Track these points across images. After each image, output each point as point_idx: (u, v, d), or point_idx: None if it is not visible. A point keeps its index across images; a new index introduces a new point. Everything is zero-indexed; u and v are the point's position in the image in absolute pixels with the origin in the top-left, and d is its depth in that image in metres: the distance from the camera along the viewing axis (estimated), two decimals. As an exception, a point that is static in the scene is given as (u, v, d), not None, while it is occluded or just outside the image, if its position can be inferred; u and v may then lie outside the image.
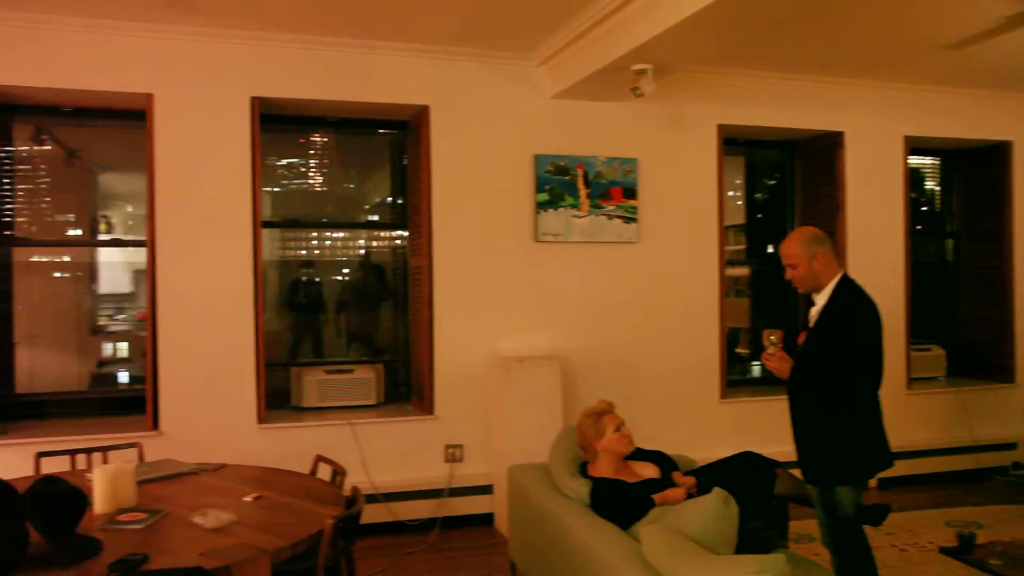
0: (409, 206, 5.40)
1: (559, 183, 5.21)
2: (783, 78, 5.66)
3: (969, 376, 6.55)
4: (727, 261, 5.77)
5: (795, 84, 5.72)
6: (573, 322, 5.29)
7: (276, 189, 5.61)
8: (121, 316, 5.80)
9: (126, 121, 4.93)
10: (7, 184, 4.94)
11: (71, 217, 5.40)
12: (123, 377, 5.57)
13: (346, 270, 5.85)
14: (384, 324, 5.87)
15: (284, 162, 5.62)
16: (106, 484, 2.77)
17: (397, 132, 5.57)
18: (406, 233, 5.55)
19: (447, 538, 4.85)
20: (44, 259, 5.30)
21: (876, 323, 3.18)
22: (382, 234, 5.82)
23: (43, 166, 5.11)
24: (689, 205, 5.55)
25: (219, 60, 4.68)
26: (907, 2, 4.32)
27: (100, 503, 2.76)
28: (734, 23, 3.93)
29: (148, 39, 4.56)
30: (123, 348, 5.71)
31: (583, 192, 5.25)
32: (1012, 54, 5.22)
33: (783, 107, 5.74)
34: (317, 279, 5.78)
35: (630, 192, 5.37)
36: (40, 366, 5.15)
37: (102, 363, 5.63)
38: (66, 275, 5.48)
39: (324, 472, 3.46)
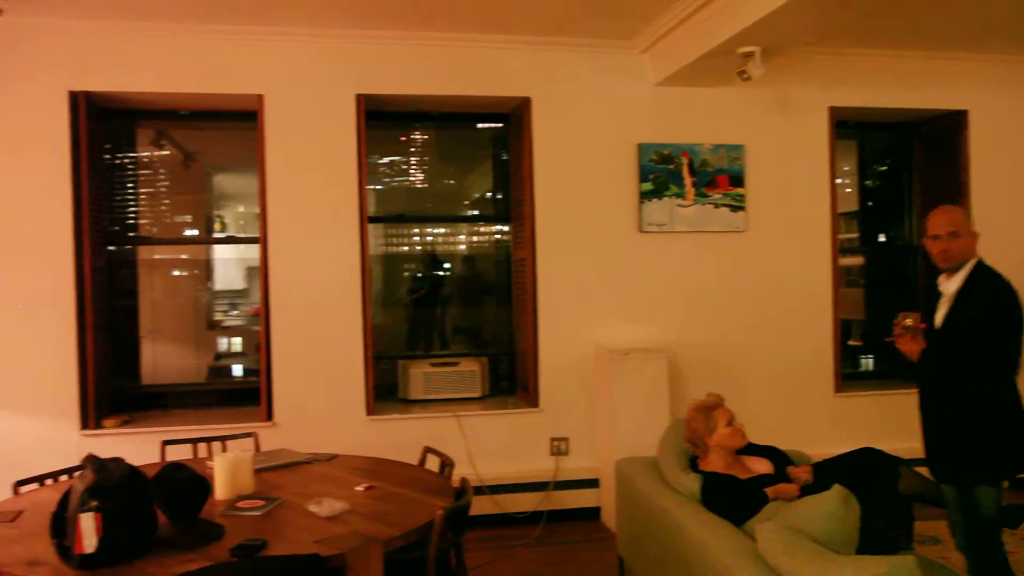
0: (512, 199, 5.40)
1: (664, 172, 5.11)
2: (897, 56, 5.38)
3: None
4: (840, 250, 5.54)
5: (910, 62, 5.43)
6: (679, 313, 5.18)
7: (378, 187, 5.70)
8: (235, 312, 6.01)
9: (238, 122, 5.10)
10: (131, 186, 5.18)
11: (188, 218, 5.63)
12: (237, 370, 5.78)
13: (447, 264, 5.89)
14: (487, 317, 5.90)
15: (385, 160, 5.70)
16: (226, 472, 2.86)
17: (497, 126, 5.57)
18: (507, 227, 5.56)
19: (553, 531, 4.83)
20: (164, 257, 5.54)
21: (1018, 309, 2.97)
22: (483, 228, 5.83)
23: (162, 169, 5.34)
24: (799, 192, 5.35)
25: (325, 59, 4.79)
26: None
27: (221, 490, 2.85)
28: (846, -1, 3.76)
29: (259, 42, 4.70)
30: (236, 342, 5.93)
31: (688, 181, 5.14)
32: None
33: (898, 86, 5.46)
34: (423, 274, 5.84)
35: (737, 180, 5.21)
36: (162, 359, 5.39)
37: (219, 356, 5.86)
38: (184, 273, 5.72)
39: (432, 463, 3.49)
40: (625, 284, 5.12)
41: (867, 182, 6.39)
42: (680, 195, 5.13)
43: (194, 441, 3.74)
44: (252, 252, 5.48)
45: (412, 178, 5.76)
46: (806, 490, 3.14)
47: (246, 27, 4.63)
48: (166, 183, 5.39)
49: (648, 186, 5.10)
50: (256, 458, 3.34)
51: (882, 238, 6.21)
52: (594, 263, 5.09)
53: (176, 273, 5.70)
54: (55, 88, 4.51)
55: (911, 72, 5.45)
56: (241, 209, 6.04)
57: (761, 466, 3.40)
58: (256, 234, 4.90)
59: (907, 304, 5.86)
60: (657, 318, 5.16)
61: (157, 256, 5.44)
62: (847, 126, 5.83)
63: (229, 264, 5.99)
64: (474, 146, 5.86)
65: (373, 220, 5.23)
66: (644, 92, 5.13)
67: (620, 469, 3.98)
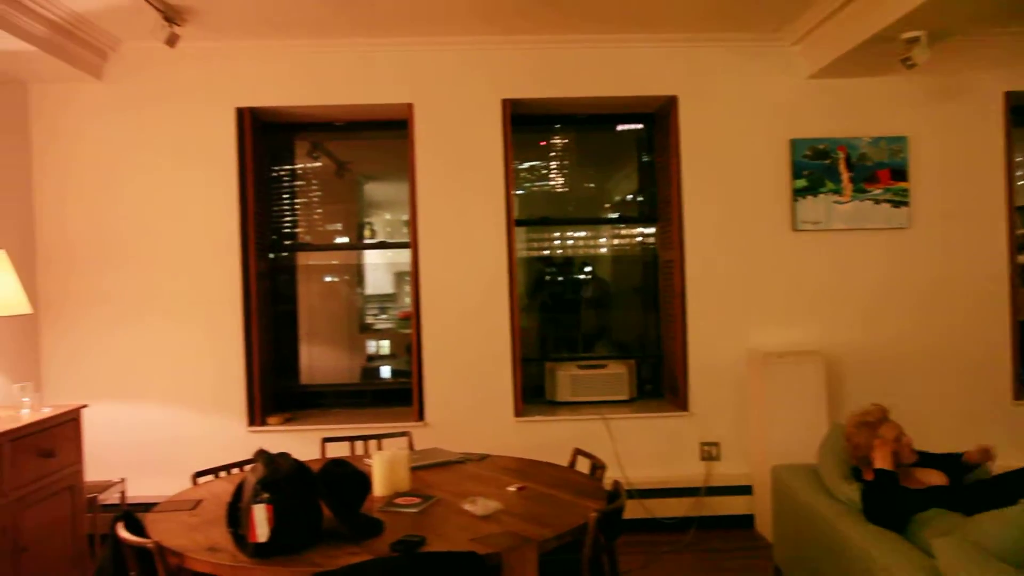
0: (659, 199, 5.31)
1: (818, 168, 4.89)
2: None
3: None
4: (1018, 246, 5.12)
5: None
6: (836, 315, 4.94)
7: (519, 191, 5.74)
8: (384, 315, 6.20)
9: (388, 132, 5.28)
10: (288, 196, 5.45)
11: (339, 226, 5.86)
12: (385, 372, 5.96)
13: (589, 268, 5.85)
14: (631, 320, 5.82)
15: (526, 165, 5.73)
16: (384, 469, 2.95)
17: (639, 127, 5.50)
18: (652, 228, 5.47)
19: (704, 538, 4.71)
20: (319, 263, 5.78)
21: None
22: (623, 231, 5.76)
23: (314, 180, 5.58)
24: (970, 184, 4.98)
25: (471, 66, 4.88)
26: None
27: (379, 486, 2.94)
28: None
29: (408, 52, 4.85)
30: (387, 345, 6.11)
31: (845, 176, 4.89)
32: None
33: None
34: (564, 277, 5.84)
35: (899, 174, 4.92)
36: (318, 360, 5.63)
37: (371, 358, 6.07)
38: (336, 278, 5.94)
39: (582, 465, 3.46)
40: (778, 284, 4.94)
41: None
42: (837, 191, 4.89)
43: (352, 439, 3.88)
44: (400, 257, 5.65)
45: (552, 182, 5.77)
46: (984, 504, 2.91)
47: (396, 39, 4.78)
48: (320, 192, 5.63)
49: (802, 183, 4.89)
50: (411, 456, 3.42)
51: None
52: (745, 263, 4.93)
53: (328, 279, 5.93)
54: (224, 106, 4.81)
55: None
56: (388, 216, 6.23)
57: (934, 478, 3.19)
58: (405, 239, 5.05)
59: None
60: (812, 319, 4.94)
61: (312, 262, 5.70)
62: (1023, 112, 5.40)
63: (379, 269, 6.19)
64: (615, 148, 5.80)
65: (520, 223, 5.26)
66: (796, 85, 4.93)
67: (776, 476, 3.83)
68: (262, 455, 2.42)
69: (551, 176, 5.78)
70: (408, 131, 4.90)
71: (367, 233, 6.01)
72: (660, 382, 5.47)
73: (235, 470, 3.44)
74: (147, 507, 2.90)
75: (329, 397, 5.52)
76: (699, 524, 4.83)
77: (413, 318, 4.92)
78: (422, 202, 4.89)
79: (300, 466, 2.45)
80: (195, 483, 3.28)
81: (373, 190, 6.20)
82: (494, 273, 4.88)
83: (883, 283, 4.95)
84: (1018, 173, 5.73)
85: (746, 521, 4.87)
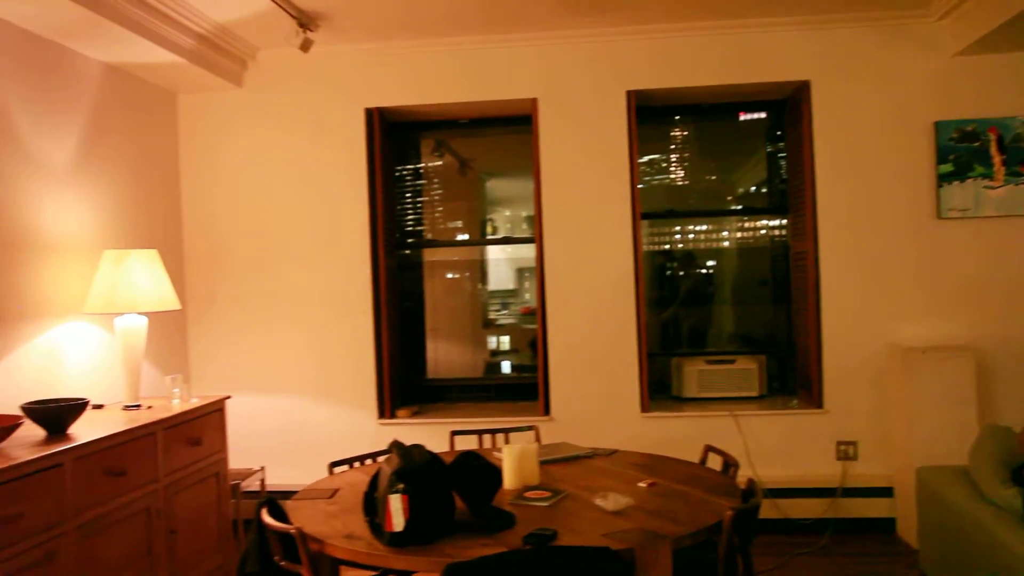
0: (790, 188, 5.13)
1: (966, 151, 4.59)
2: None
3: None
4: None
5: None
6: (985, 308, 4.63)
7: (639, 185, 5.65)
8: (506, 311, 6.25)
9: (511, 127, 5.31)
10: (411, 194, 5.56)
11: (459, 223, 5.94)
12: (505, 367, 6.01)
13: (711, 261, 5.70)
14: (758, 314, 5.65)
15: (645, 159, 5.64)
16: (514, 462, 2.96)
17: (762, 116, 5.32)
18: (780, 220, 5.29)
19: (841, 541, 4.51)
20: (443, 259, 5.88)
21: None
22: (748, 223, 5.58)
23: (438, 178, 5.67)
24: None
25: (596, 58, 4.84)
26: None
27: (509, 479, 2.95)
28: None
29: (532, 47, 4.86)
30: (510, 340, 6.16)
31: (997, 159, 4.58)
32: None
33: None
34: (687, 271, 5.72)
35: (1058, 155, 4.57)
36: (443, 355, 5.73)
37: (494, 353, 6.13)
38: (458, 275, 6.03)
39: (712, 462, 3.38)
40: (920, 275, 4.67)
41: None
42: (987, 175, 4.59)
43: (479, 432, 3.92)
44: (522, 253, 5.68)
45: (672, 175, 5.65)
46: None
47: (520, 34, 4.80)
48: (444, 190, 5.72)
49: (947, 167, 4.61)
50: (539, 450, 3.43)
51: None
52: (884, 253, 4.69)
53: (452, 275, 6.03)
54: (354, 107, 4.96)
55: None
56: (507, 213, 6.28)
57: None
58: (526, 235, 5.06)
59: None
60: (959, 313, 4.65)
61: (437, 259, 5.80)
62: None
63: (500, 265, 6.25)
64: (737, 138, 5.62)
65: (645, 216, 5.18)
66: (941, 64, 4.65)
67: (922, 478, 3.63)
68: (397, 446, 2.48)
69: (671, 169, 5.66)
70: (532, 126, 4.91)
71: (489, 229, 6.07)
72: (790, 378, 5.28)
73: (368, 461, 3.54)
74: (285, 494, 3.02)
75: (454, 391, 5.61)
76: (835, 527, 4.64)
77: (538, 313, 4.94)
78: (547, 197, 4.90)
79: (434, 458, 2.49)
80: (331, 472, 3.39)
81: (495, 187, 6.26)
82: (620, 267, 4.83)
83: (1040, 274, 4.61)
84: None
85: (886, 525, 4.64)
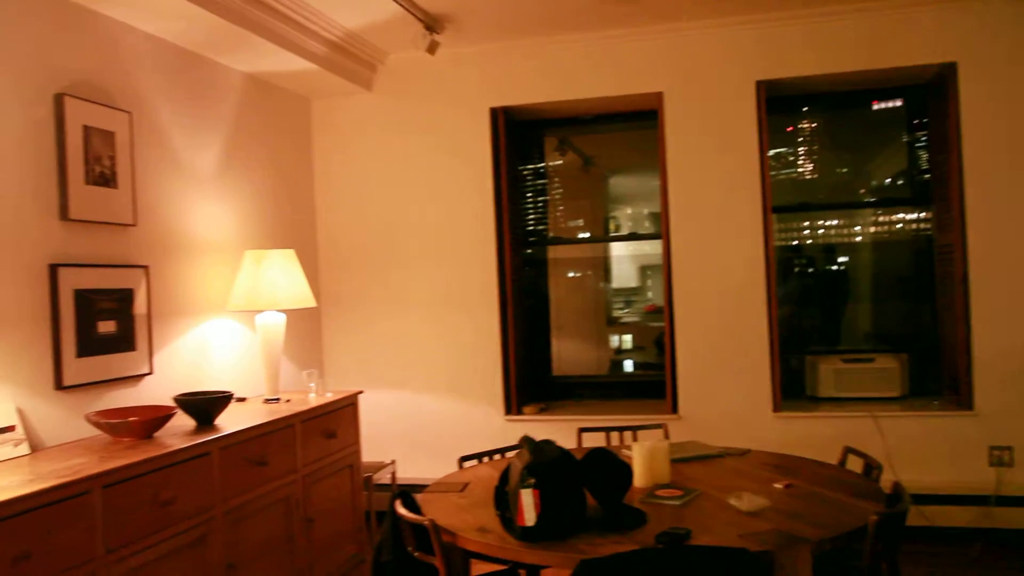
0: (933, 179, 4.85)
1: None
2: None
3: None
4: None
5: None
6: None
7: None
8: (629, 308, 6.17)
9: (634, 123, 5.25)
10: (531, 193, 5.58)
11: (580, 221, 5.92)
12: (629, 365, 5.94)
13: (843, 256, 5.45)
14: (901, 310, 5.36)
15: (771, 152, 5.45)
16: (644, 460, 2.92)
17: (897, 104, 5.05)
18: (917, 213, 5.01)
19: (999, 554, 4.22)
20: (566, 257, 5.88)
21: None
22: (883, 216, 5.30)
23: (560, 175, 5.67)
24: None
25: (724, 48, 4.72)
26: None
27: (639, 477, 2.91)
28: None
29: (657, 39, 4.79)
30: (634, 337, 6.09)
31: None
32: None
33: None
34: (817, 266, 5.49)
35: None
36: (566, 352, 5.72)
37: (618, 351, 6.08)
38: (579, 274, 6.01)
39: (852, 464, 3.23)
40: (1084, 269, 4.33)
41: None
42: None
43: (607, 430, 3.89)
44: (645, 249, 5.60)
45: (802, 168, 5.44)
46: None
47: (644, 27, 4.74)
48: (566, 187, 5.72)
49: (1114, 151, 4.25)
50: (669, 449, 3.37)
51: None
52: (1045, 244, 4.37)
53: (573, 274, 6.01)
54: (479, 107, 5.03)
55: None
56: (629, 211, 6.21)
57: None
58: (649, 232, 4.99)
59: None
60: None
61: (561, 256, 5.80)
62: None
63: (624, 263, 6.18)
64: (872, 127, 5.35)
65: (776, 210, 5.00)
66: (1106, 39, 4.29)
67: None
68: (527, 441, 2.48)
69: (799, 162, 5.45)
70: (658, 120, 4.84)
71: (611, 227, 6.02)
72: (932, 378, 4.98)
73: (497, 456, 3.57)
74: (414, 488, 3.08)
75: (579, 388, 5.59)
76: (988, 537, 4.35)
77: (665, 310, 4.86)
78: (673, 191, 4.81)
79: (564, 453, 2.48)
80: (460, 467, 3.44)
81: (617, 184, 6.20)
82: (750, 263, 4.70)
83: None
84: None
85: (1049, 538, 4.32)
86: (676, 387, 4.82)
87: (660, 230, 4.92)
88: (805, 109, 5.29)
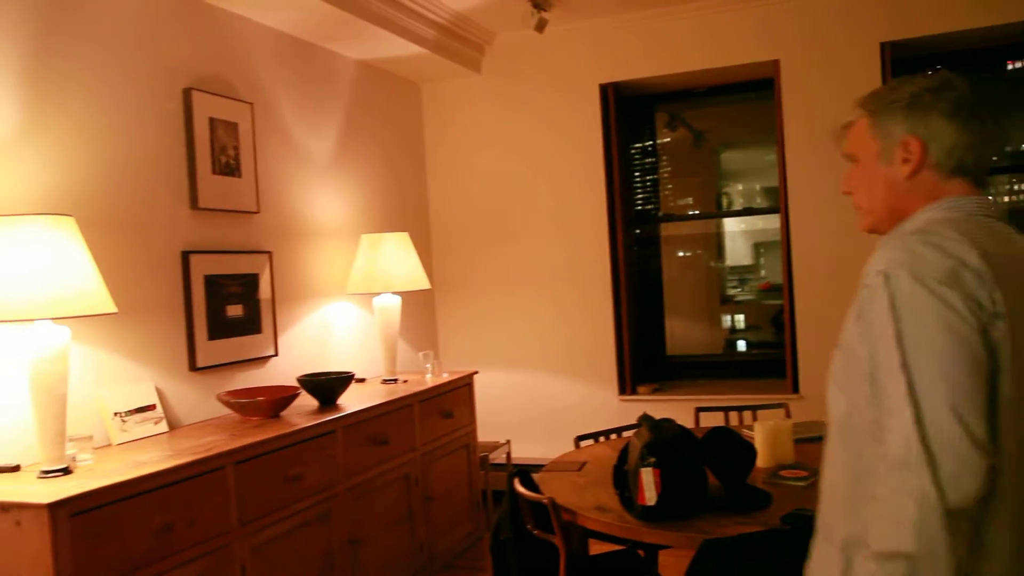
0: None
1: None
2: None
3: None
4: None
5: None
6: None
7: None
8: (742, 287, 6.01)
9: (748, 94, 5.09)
10: (640, 170, 5.48)
11: (689, 199, 5.79)
12: (742, 345, 5.79)
13: None
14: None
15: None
16: (767, 440, 2.84)
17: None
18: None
19: None
20: (678, 235, 5.76)
21: None
22: (1017, 184, 4.94)
23: (671, 152, 5.55)
24: None
25: (844, 9, 4.49)
26: None
27: (762, 457, 2.83)
28: None
29: (770, 5, 4.60)
30: (748, 316, 5.93)
31: None
32: None
33: None
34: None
35: None
36: (680, 331, 5.62)
37: (733, 329, 5.94)
38: (695, 251, 5.89)
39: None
40: None
41: None
42: None
43: (725, 409, 3.80)
44: (759, 225, 5.44)
45: None
46: None
47: (757, -7, 4.57)
48: (677, 164, 5.60)
49: None
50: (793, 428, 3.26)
51: None
52: None
53: (684, 254, 5.89)
54: (588, 84, 4.97)
55: None
56: (740, 187, 6.04)
57: None
58: (768, 206, 4.83)
59: None
60: None
61: (673, 234, 5.69)
62: None
63: (737, 240, 6.02)
64: (1005, 88, 4.96)
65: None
66: None
67: None
68: (646, 419, 2.45)
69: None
70: (774, 90, 4.66)
71: (724, 203, 5.87)
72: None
73: (613, 435, 3.54)
74: (530, 467, 3.09)
75: (693, 368, 5.49)
76: None
77: (784, 286, 4.70)
78: (791, 163, 4.63)
79: (685, 431, 2.43)
80: (577, 446, 3.43)
81: (729, 159, 6.04)
82: (872, 236, 4.47)
83: None
84: None
85: None
86: (797, 366, 4.66)
87: (776, 204, 4.75)
88: (930, 72, 4.97)
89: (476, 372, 4.48)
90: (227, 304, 3.55)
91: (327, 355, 4.25)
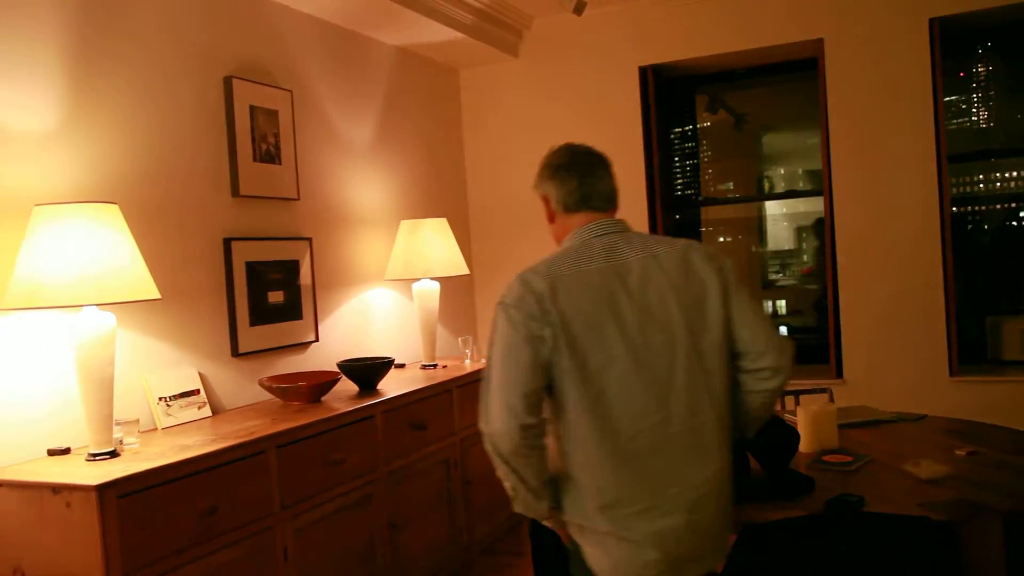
0: None
1: None
2: None
3: None
4: None
5: None
6: None
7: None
8: (784, 272, 5.92)
9: (791, 75, 4.99)
10: (678, 154, 5.41)
11: (729, 185, 5.71)
12: (783, 331, 5.70)
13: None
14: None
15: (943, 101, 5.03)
16: (810, 424, 2.79)
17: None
18: None
19: None
20: (721, 218, 5.69)
21: None
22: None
23: (712, 135, 5.48)
24: None
25: (887, -15, 4.39)
26: None
27: (805, 442, 2.78)
28: None
29: (813, -18, 4.51)
30: (784, 302, 5.85)
31: None
32: None
33: None
34: (993, 221, 5.04)
35: None
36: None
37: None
38: (735, 236, 5.81)
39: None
40: None
41: None
42: None
43: (768, 394, 3.75)
44: (801, 208, 5.36)
45: (976, 115, 4.96)
46: None
47: (799, -30, 4.47)
48: (718, 148, 5.52)
49: None
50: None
51: None
52: None
53: (725, 239, 5.82)
54: (627, 66, 4.91)
55: None
56: (782, 171, 5.94)
57: None
58: (811, 188, 4.74)
59: None
60: None
61: (713, 218, 5.62)
62: None
63: (779, 224, 5.93)
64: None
65: (952, 160, 4.60)
66: None
67: None
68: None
69: (972, 110, 4.97)
70: (818, 69, 4.56)
71: (765, 187, 5.79)
72: None
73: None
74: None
75: (736, 353, 5.41)
76: None
77: (828, 269, 4.62)
78: (836, 144, 4.53)
79: (725, 416, 2.40)
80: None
81: (770, 142, 5.95)
82: (921, 217, 4.37)
83: None
84: None
85: None
86: (840, 351, 4.58)
87: (820, 187, 4.66)
88: (981, 51, 4.82)
89: (514, 357, 4.48)
90: (268, 290, 3.59)
91: (367, 341, 4.28)
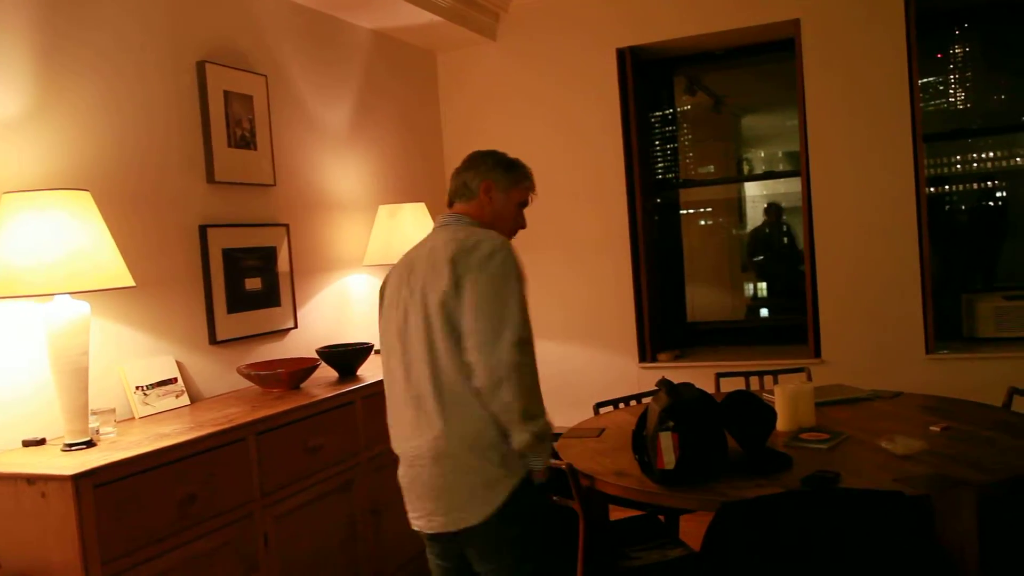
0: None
1: None
2: None
3: None
4: None
5: None
6: None
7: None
8: (761, 257, 5.94)
9: (767, 56, 5.00)
10: (658, 137, 5.42)
11: (711, 167, 5.72)
12: (763, 311, 5.75)
13: (1000, 189, 5.01)
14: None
15: (921, 81, 5.06)
16: (787, 403, 2.82)
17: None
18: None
19: None
20: (698, 200, 5.71)
21: None
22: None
23: (690, 117, 5.48)
24: None
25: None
26: None
27: (782, 421, 2.81)
28: None
29: (790, -37, 4.50)
30: (762, 285, 5.89)
31: None
32: None
33: None
34: (967, 200, 5.09)
35: None
36: (700, 298, 5.59)
37: (754, 296, 5.90)
38: (714, 218, 5.83)
39: (1019, 406, 3.01)
40: None
41: None
42: None
43: (746, 374, 3.78)
44: (779, 190, 5.37)
45: (952, 96, 4.99)
46: None
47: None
48: (697, 130, 5.53)
49: None
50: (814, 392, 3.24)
51: None
52: None
53: (705, 222, 5.84)
54: (605, 48, 4.89)
55: None
56: (762, 154, 5.97)
57: None
58: (788, 170, 4.76)
59: None
60: None
61: (692, 200, 5.64)
62: None
63: (758, 205, 5.96)
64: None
65: (928, 139, 4.63)
66: None
67: None
68: (665, 383, 2.43)
69: (949, 91, 5.01)
70: (795, 50, 4.56)
71: (744, 169, 5.81)
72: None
73: (633, 402, 3.54)
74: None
75: (715, 335, 5.45)
76: None
77: (805, 250, 4.64)
78: (813, 125, 4.55)
79: (704, 396, 2.41)
80: (596, 413, 3.43)
81: (749, 124, 5.97)
82: (897, 197, 4.40)
83: None
84: None
85: None
86: (818, 331, 4.62)
87: (798, 168, 4.68)
88: (958, 32, 4.85)
89: (496, 341, 4.47)
90: (246, 277, 3.56)
91: (346, 327, 4.27)
